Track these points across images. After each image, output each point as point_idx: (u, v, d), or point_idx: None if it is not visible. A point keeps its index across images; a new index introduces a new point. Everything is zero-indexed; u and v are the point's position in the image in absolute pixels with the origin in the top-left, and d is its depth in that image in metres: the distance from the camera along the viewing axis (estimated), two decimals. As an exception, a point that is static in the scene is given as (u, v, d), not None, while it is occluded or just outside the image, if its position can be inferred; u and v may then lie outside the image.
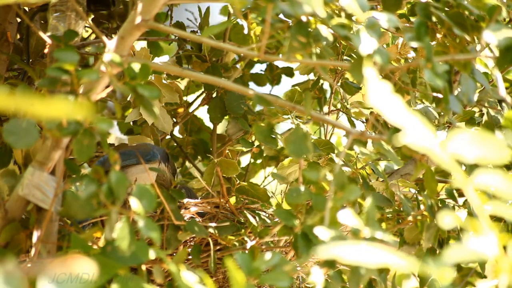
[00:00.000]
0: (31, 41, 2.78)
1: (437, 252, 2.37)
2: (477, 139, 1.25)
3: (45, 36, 2.24)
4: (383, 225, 2.37)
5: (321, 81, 3.02)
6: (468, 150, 1.25)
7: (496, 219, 2.46)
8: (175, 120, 3.11)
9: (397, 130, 1.88)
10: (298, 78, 3.07)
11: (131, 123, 2.97)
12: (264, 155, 3.05)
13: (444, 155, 1.27)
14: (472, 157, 1.24)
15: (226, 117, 2.99)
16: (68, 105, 1.84)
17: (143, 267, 2.02)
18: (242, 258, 1.74)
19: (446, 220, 1.27)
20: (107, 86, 1.99)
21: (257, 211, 2.60)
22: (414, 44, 1.88)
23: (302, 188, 1.92)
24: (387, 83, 1.35)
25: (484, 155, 1.24)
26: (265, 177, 3.04)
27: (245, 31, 2.05)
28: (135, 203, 1.83)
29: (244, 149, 2.84)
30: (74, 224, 2.20)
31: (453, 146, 1.26)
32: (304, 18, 1.88)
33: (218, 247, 2.56)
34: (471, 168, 2.09)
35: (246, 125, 2.88)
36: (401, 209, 2.31)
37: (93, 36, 3.19)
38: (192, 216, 2.58)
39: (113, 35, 2.98)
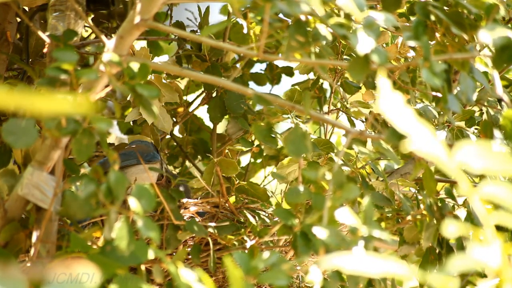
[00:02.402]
0: (30, 41, 2.78)
1: (437, 251, 2.37)
2: (483, 150, 1.25)
3: (44, 36, 2.24)
4: (383, 224, 2.37)
5: (321, 80, 3.02)
6: (475, 161, 1.25)
7: (500, 228, 2.46)
8: (175, 120, 3.11)
9: (397, 129, 1.87)
10: (298, 77, 3.07)
11: (131, 122, 2.97)
12: (264, 154, 3.05)
13: (451, 164, 1.27)
14: (479, 167, 1.25)
15: (226, 116, 2.99)
16: (67, 102, 1.84)
17: (143, 267, 2.02)
18: (241, 257, 1.74)
19: (450, 229, 1.27)
20: (107, 86, 1.99)
21: (256, 211, 2.60)
22: (412, 43, 1.88)
23: (302, 187, 1.92)
24: (399, 94, 1.35)
25: (490, 166, 1.24)
26: (265, 177, 3.04)
27: (245, 31, 2.05)
28: (134, 203, 1.83)
29: (244, 149, 2.84)
30: (73, 224, 2.21)
31: (460, 156, 1.26)
32: (302, 17, 1.88)
33: (217, 247, 2.56)
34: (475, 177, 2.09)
35: (246, 124, 2.88)
36: (401, 208, 2.31)
37: (93, 35, 3.20)
38: (192, 215, 2.58)
39: (112, 35, 2.98)
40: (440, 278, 1.23)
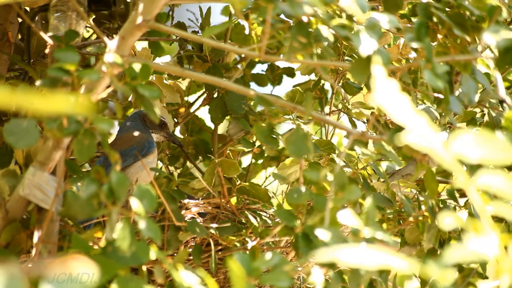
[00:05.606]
0: (32, 41, 2.78)
1: (438, 252, 2.36)
2: (480, 139, 1.25)
3: (46, 36, 2.24)
4: (384, 225, 2.37)
5: (322, 81, 3.02)
6: (471, 151, 1.25)
7: (497, 219, 2.46)
8: (176, 120, 3.11)
9: (398, 130, 1.88)
10: (300, 78, 3.07)
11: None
12: (265, 155, 3.05)
13: (447, 155, 1.27)
14: (476, 157, 1.24)
15: (227, 117, 2.99)
16: (69, 102, 1.84)
17: (144, 268, 2.02)
18: (243, 258, 1.74)
19: (447, 221, 1.27)
20: (108, 86, 1.99)
21: (258, 212, 2.60)
22: (414, 44, 1.88)
23: (303, 188, 1.91)
24: (394, 81, 1.35)
25: (487, 155, 1.24)
26: (266, 178, 3.04)
27: (246, 32, 2.05)
28: (135, 204, 1.83)
29: (245, 149, 2.84)
30: (75, 224, 2.20)
31: (456, 146, 1.26)
32: (305, 19, 1.88)
33: (219, 248, 2.56)
34: (472, 169, 2.09)
35: (247, 125, 2.88)
36: (402, 209, 2.31)
37: (94, 36, 3.20)
38: (193, 216, 2.58)
39: (114, 35, 2.98)
40: (439, 269, 1.23)
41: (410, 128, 1.30)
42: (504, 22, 2.25)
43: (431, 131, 1.30)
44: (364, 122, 2.98)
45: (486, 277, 2.67)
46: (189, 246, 2.57)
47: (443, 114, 2.52)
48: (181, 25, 3.00)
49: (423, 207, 2.29)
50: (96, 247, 1.91)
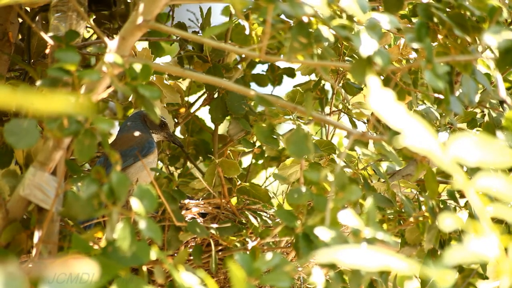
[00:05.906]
0: (32, 42, 2.78)
1: (438, 253, 2.36)
2: (479, 142, 1.25)
3: (46, 37, 2.24)
4: (385, 226, 2.37)
5: (323, 81, 3.02)
6: (470, 153, 1.25)
7: (497, 221, 2.46)
8: (176, 121, 3.11)
9: (398, 131, 1.88)
10: (300, 78, 3.07)
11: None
12: (266, 155, 3.05)
13: (446, 158, 1.27)
14: (474, 160, 1.25)
15: (228, 117, 2.99)
16: (69, 102, 1.84)
17: (144, 268, 2.02)
18: (243, 259, 1.74)
19: (447, 222, 1.27)
20: (109, 87, 1.99)
21: (258, 212, 2.60)
22: (415, 45, 1.88)
23: (304, 188, 1.91)
24: (389, 90, 1.35)
25: (486, 158, 1.24)
26: (267, 178, 3.03)
27: (247, 32, 2.05)
28: (136, 204, 1.83)
29: (246, 150, 2.84)
30: (75, 225, 2.20)
31: (454, 149, 1.26)
32: (305, 19, 1.88)
33: (219, 248, 2.56)
34: (472, 170, 2.09)
35: (248, 125, 2.88)
36: (403, 210, 2.31)
37: (95, 36, 3.20)
38: (194, 216, 2.58)
39: (114, 36, 2.98)
40: (439, 270, 1.23)
41: (407, 134, 1.30)
42: (504, 22, 2.25)
43: (429, 135, 1.30)
44: (364, 123, 2.98)
45: (487, 278, 2.67)
46: (189, 246, 2.57)
47: (444, 114, 2.53)
48: (181, 25, 3.00)
49: (423, 208, 2.29)
50: (96, 247, 1.91)
